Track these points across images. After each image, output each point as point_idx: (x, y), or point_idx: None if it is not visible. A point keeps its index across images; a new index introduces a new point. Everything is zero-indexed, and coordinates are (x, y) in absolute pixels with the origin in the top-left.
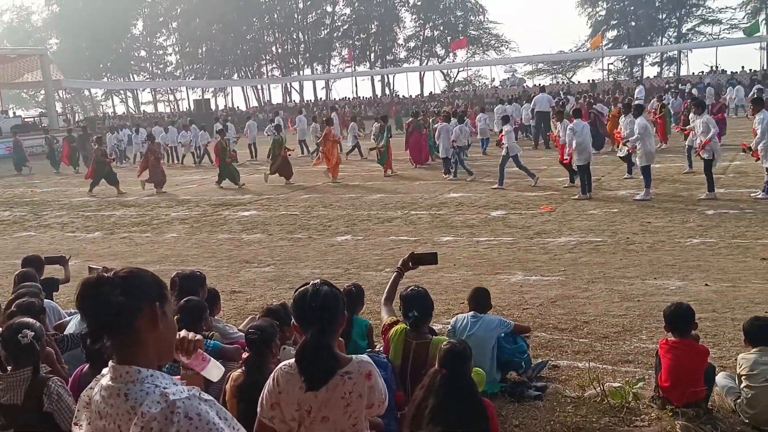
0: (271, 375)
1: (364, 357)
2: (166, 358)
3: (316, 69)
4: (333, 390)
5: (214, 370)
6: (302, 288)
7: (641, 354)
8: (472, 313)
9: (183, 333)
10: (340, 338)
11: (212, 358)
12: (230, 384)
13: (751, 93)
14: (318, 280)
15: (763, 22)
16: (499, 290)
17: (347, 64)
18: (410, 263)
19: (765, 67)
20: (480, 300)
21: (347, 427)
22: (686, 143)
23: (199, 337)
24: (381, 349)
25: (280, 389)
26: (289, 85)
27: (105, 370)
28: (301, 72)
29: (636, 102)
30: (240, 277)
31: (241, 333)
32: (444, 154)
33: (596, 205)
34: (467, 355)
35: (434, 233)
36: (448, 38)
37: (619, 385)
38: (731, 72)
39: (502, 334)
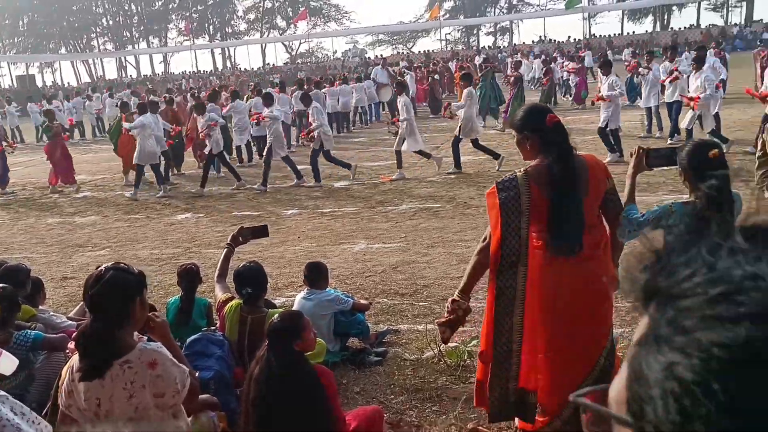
0: (68, 363)
1: (150, 345)
2: None
3: (152, 42)
4: (114, 380)
5: (6, 364)
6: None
7: (477, 313)
8: (306, 290)
9: None
10: (164, 319)
11: (4, 351)
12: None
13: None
14: (108, 265)
15: None
16: (343, 260)
17: (185, 37)
18: (240, 238)
19: (587, 37)
20: (313, 275)
21: (136, 418)
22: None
23: None
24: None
25: (73, 377)
26: (123, 60)
27: None
28: (136, 45)
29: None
30: (72, 262)
31: (69, 322)
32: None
33: (436, 173)
34: (289, 329)
35: (278, 207)
36: (289, 9)
37: (456, 344)
38: (558, 41)
39: (338, 311)
